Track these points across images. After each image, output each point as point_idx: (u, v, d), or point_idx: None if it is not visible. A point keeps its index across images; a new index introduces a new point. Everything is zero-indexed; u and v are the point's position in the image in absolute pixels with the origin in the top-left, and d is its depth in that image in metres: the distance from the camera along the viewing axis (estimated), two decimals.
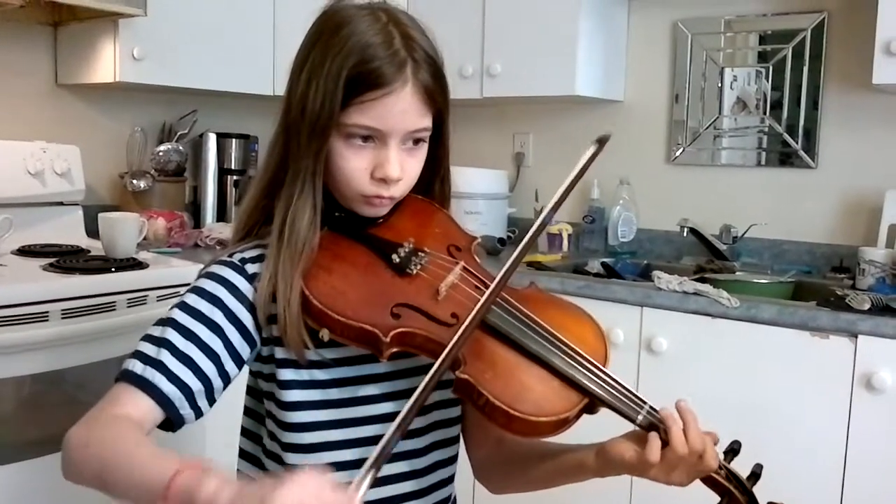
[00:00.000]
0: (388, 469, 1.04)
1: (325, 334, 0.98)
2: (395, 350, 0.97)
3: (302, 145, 1.01)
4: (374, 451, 0.84)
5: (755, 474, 1.04)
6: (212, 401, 1.00)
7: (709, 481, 1.01)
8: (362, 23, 0.99)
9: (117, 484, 0.88)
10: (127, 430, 0.92)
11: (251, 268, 1.04)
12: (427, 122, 1.03)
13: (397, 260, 1.04)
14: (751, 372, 2.03)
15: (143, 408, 0.94)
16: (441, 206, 1.14)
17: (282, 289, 0.99)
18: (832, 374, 1.92)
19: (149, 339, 0.99)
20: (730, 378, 2.06)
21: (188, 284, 1.05)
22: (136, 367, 0.97)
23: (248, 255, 1.05)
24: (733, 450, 1.06)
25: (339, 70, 0.97)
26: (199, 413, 0.99)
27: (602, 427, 1.06)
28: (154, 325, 1.01)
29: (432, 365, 0.93)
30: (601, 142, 1.05)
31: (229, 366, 1.00)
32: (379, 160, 1.01)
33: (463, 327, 0.95)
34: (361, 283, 1.02)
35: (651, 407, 0.99)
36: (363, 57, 0.97)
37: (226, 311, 1.01)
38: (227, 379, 1.01)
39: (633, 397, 0.99)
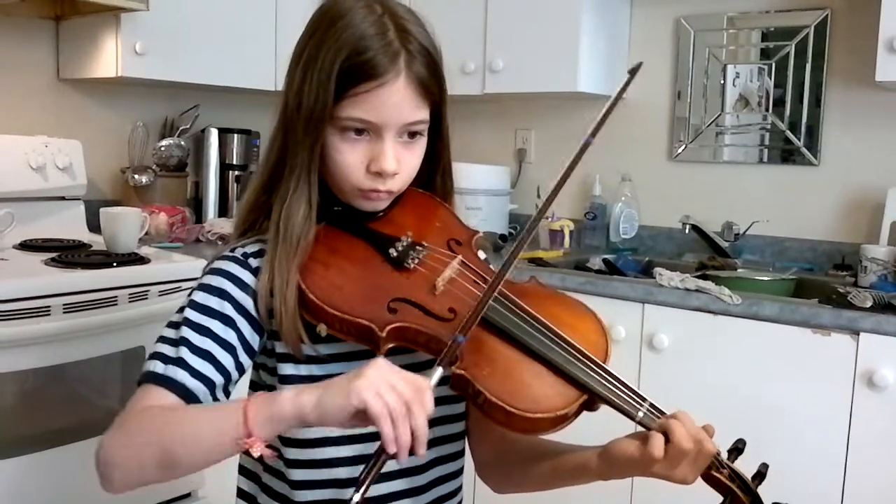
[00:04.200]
0: (384, 466, 1.04)
1: (322, 329, 0.98)
2: (391, 345, 0.97)
3: (298, 140, 1.01)
4: (441, 355, 0.91)
5: (760, 474, 1.01)
6: (227, 393, 1.01)
7: (711, 481, 1.00)
8: (357, 15, 0.99)
9: (186, 452, 0.88)
10: (167, 408, 0.93)
11: (254, 262, 1.04)
12: (422, 114, 1.02)
13: (395, 254, 1.03)
14: (752, 369, 2.03)
15: (169, 404, 0.95)
16: (444, 200, 1.14)
17: (278, 284, 0.99)
18: (834, 372, 1.92)
19: (165, 340, 1.00)
20: (731, 375, 2.05)
21: (190, 279, 1.06)
22: (158, 367, 0.97)
23: (249, 249, 1.05)
24: (737, 448, 1.04)
25: (332, 62, 0.97)
26: None
27: (603, 426, 1.06)
28: (166, 326, 1.02)
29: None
30: (633, 72, 1.06)
31: (243, 357, 1.01)
32: (374, 153, 1.01)
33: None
34: (358, 278, 1.01)
35: (651, 404, 0.98)
36: (356, 48, 0.97)
37: (235, 304, 1.01)
38: (241, 370, 1.01)
39: (633, 394, 0.98)
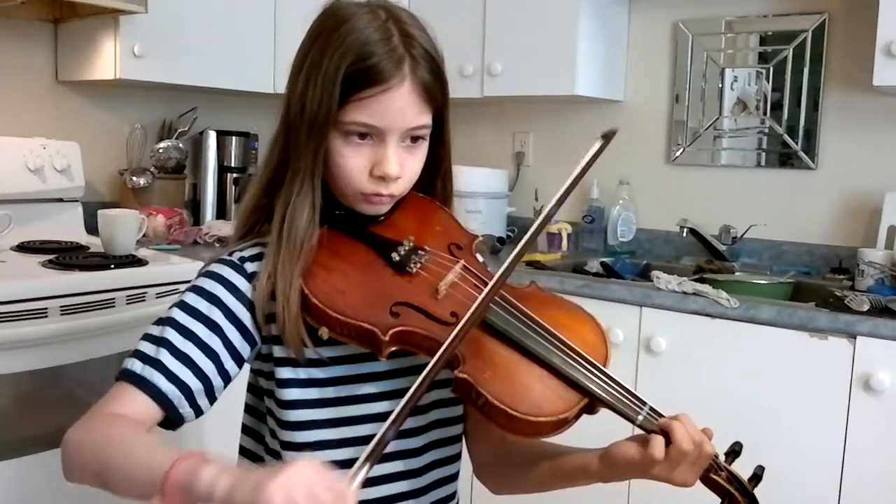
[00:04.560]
0: (383, 468, 1.04)
1: (324, 333, 0.98)
2: (394, 348, 0.97)
3: (301, 144, 1.01)
4: (368, 447, 0.85)
5: (757, 476, 1.03)
6: (212, 399, 1.00)
7: (709, 483, 1.01)
8: (361, 20, 0.99)
9: (117, 480, 0.88)
10: (124, 426, 0.92)
11: (250, 266, 1.04)
12: (426, 119, 1.03)
13: (397, 258, 1.04)
14: (749, 372, 2.03)
15: (141, 406, 0.95)
16: (443, 204, 1.14)
17: (281, 287, 0.99)
18: (831, 376, 1.92)
19: (148, 338, 1.00)
20: (728, 378, 2.06)
21: (187, 282, 1.05)
22: (136, 366, 0.97)
23: (247, 253, 1.05)
24: (734, 451, 1.05)
25: (336, 67, 0.97)
26: (199, 412, 0.99)
27: (602, 428, 1.06)
28: (153, 324, 1.02)
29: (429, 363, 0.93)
30: (606, 137, 1.05)
31: (229, 364, 1.01)
32: (377, 158, 1.01)
33: (461, 324, 0.94)
34: (361, 282, 1.02)
35: (651, 407, 0.98)
36: (361, 54, 0.97)
37: (225, 310, 1.01)
38: (227, 378, 1.01)
39: (633, 398, 0.98)
